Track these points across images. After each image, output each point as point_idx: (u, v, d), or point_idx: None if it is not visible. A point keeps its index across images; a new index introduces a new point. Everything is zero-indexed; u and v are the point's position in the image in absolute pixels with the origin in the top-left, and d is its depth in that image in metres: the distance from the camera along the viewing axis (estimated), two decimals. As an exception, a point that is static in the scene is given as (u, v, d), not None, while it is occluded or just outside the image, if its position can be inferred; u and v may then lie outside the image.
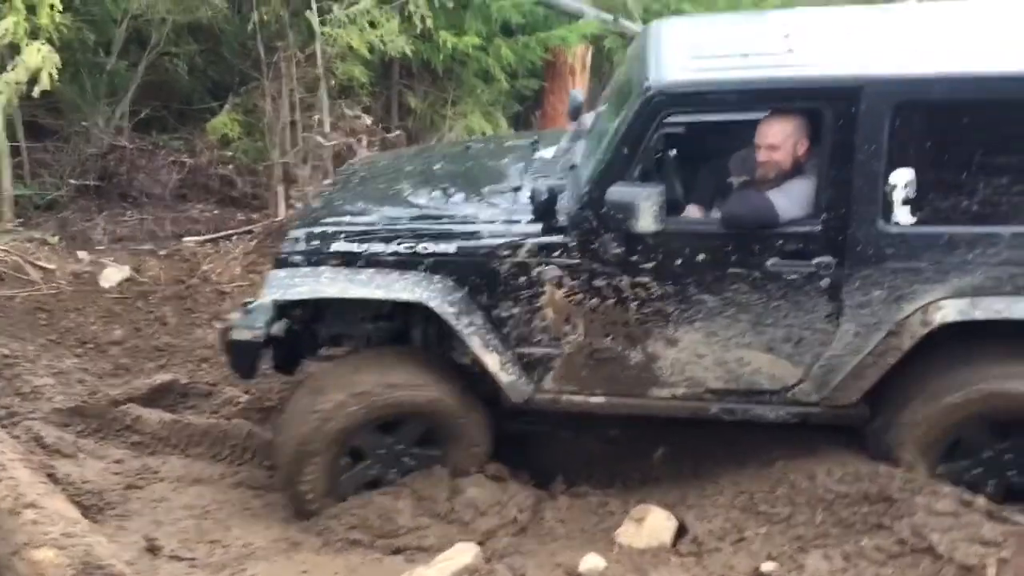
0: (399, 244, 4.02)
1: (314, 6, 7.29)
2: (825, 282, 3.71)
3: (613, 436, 4.89)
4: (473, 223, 4.06)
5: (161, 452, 4.74)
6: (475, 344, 3.93)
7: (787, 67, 3.78)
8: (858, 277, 3.69)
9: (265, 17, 7.52)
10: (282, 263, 4.19)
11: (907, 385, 3.81)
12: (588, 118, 4.80)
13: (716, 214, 3.95)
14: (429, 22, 7.59)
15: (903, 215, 3.62)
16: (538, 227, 3.92)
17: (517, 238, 3.92)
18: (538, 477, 4.47)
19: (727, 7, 9.09)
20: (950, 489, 3.57)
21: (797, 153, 3.81)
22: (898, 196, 3.60)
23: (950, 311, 3.62)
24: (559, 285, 3.89)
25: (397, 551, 3.88)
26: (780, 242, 3.71)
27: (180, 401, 5.27)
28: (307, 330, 4.36)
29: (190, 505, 4.29)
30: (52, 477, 4.10)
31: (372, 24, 7.41)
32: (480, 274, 3.95)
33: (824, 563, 3.38)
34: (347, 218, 4.32)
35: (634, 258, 3.80)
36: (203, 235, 7.23)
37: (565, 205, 3.90)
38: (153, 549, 3.89)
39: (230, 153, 7.99)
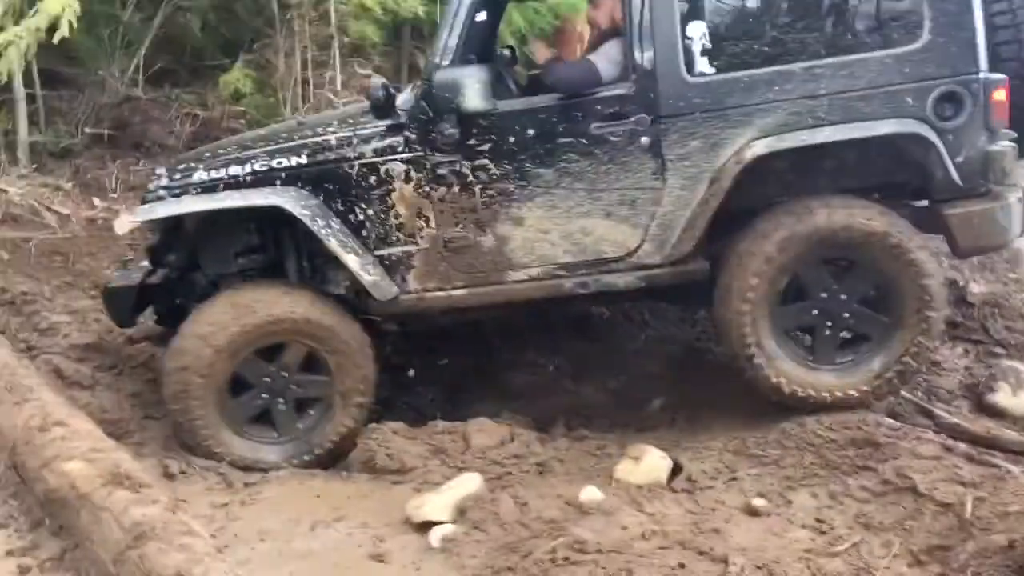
0: (256, 164, 4.16)
1: (329, -36, 7.38)
2: (645, 140, 3.98)
3: (612, 387, 5.10)
4: (323, 136, 4.20)
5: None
6: (334, 245, 4.06)
7: None
8: (674, 131, 3.94)
9: (280, -26, 7.62)
10: (147, 200, 4.31)
11: (740, 235, 4.04)
12: None
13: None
14: (442, -16, 7.69)
15: (703, 65, 3.94)
16: (380, 126, 4.10)
17: (361, 140, 4.10)
18: (540, 425, 4.67)
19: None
20: (933, 435, 3.76)
21: (615, 16, 4.16)
22: (696, 48, 3.91)
23: (759, 147, 3.88)
24: (407, 180, 4.09)
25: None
26: (599, 106, 3.98)
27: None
28: (185, 279, 4.46)
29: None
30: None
31: (386, -18, 7.51)
32: (332, 180, 4.12)
33: (811, 500, 3.57)
34: (208, 154, 4.44)
35: (471, 141, 4.03)
36: (214, 187, 7.34)
37: (403, 102, 4.12)
38: (168, 475, 4.05)
39: (242, 108, 8.07)
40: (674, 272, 4.12)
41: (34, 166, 7.23)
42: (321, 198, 4.09)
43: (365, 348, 4.26)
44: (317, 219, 4.04)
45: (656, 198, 4.01)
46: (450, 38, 4.00)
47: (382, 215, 4.11)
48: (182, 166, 4.33)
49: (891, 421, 3.95)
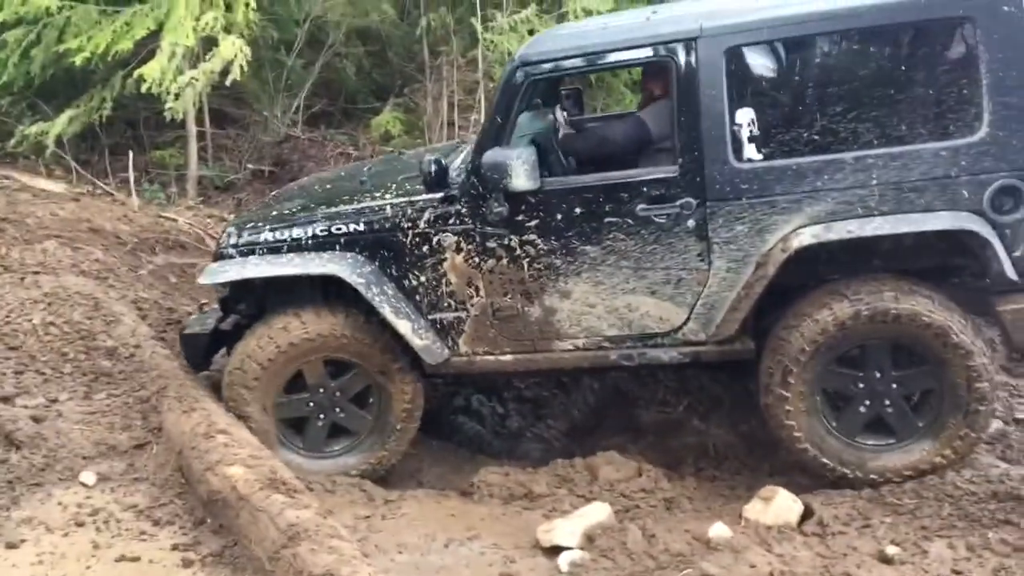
0: (317, 228, 4.34)
1: (478, 14, 7.74)
2: (691, 223, 3.96)
3: (743, 430, 5.09)
4: (381, 203, 4.35)
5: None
6: (386, 312, 4.21)
7: (636, 29, 4.20)
8: (720, 215, 3.91)
9: (432, 23, 8.04)
10: (218, 256, 4.56)
11: (786, 316, 4.01)
12: None
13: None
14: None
15: (751, 151, 3.89)
16: (433, 198, 4.21)
17: (416, 210, 4.23)
18: (668, 464, 4.71)
19: None
20: (1081, 493, 3.63)
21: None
22: (744, 134, 3.86)
23: (806, 236, 3.83)
24: (458, 250, 4.20)
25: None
26: (645, 188, 3.99)
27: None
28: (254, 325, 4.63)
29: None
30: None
31: (532, 32, 7.79)
32: (387, 247, 4.26)
33: (948, 551, 3.48)
34: (274, 213, 4.63)
35: (519, 217, 4.11)
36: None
37: (455, 176, 4.23)
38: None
39: (391, 149, 8.51)
40: (720, 351, 4.14)
41: (201, 198, 7.83)
42: (377, 264, 4.26)
43: (417, 395, 4.43)
44: (372, 286, 4.21)
45: (701, 279, 4.02)
46: (498, 117, 4.12)
47: (434, 282, 4.25)
48: (250, 225, 4.55)
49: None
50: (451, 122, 8.13)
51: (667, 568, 3.46)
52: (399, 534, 3.80)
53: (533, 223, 4.12)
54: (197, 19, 6.91)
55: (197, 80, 7.05)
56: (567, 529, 3.71)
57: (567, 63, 4.18)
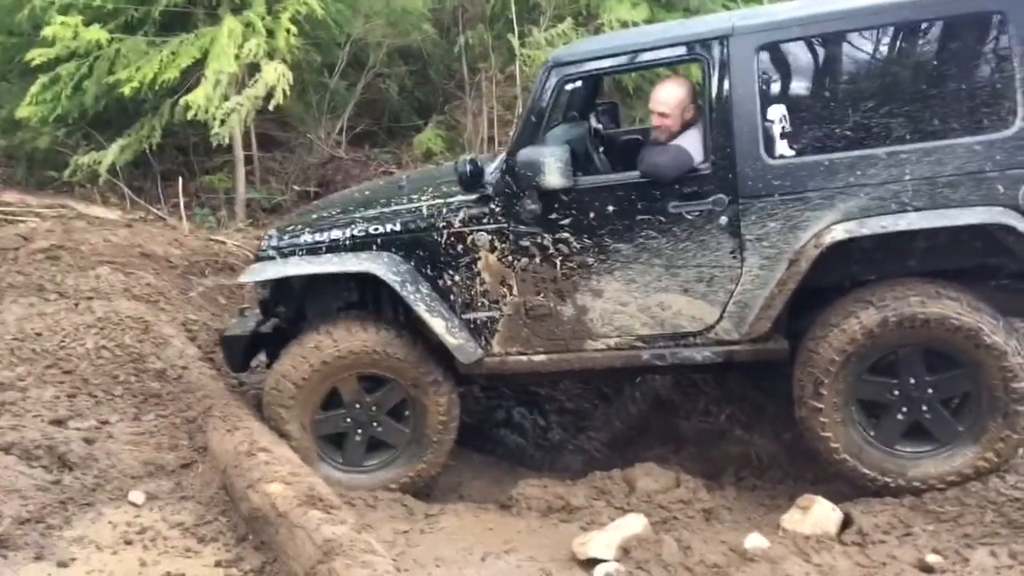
0: (355, 229, 4.41)
1: (515, 30, 7.81)
2: (723, 219, 3.95)
3: (786, 439, 5.05)
4: (418, 204, 4.40)
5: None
6: (421, 310, 4.25)
7: (670, 29, 4.49)
8: (752, 211, 3.90)
9: (470, 41, 8.14)
10: (259, 258, 4.63)
11: (814, 326, 3.98)
12: None
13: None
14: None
15: (783, 148, 3.87)
16: (468, 198, 4.25)
17: (451, 210, 4.27)
18: (710, 474, 4.69)
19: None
20: None
21: (685, 117, 4.18)
22: (776, 130, 3.84)
23: (839, 232, 3.80)
24: (491, 249, 4.23)
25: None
26: (677, 185, 3.98)
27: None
28: (294, 328, 4.73)
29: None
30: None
31: (568, 45, 7.87)
32: (423, 247, 4.31)
33: (990, 559, 3.42)
34: (314, 217, 4.71)
35: (552, 216, 4.13)
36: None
37: (490, 176, 4.25)
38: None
39: (433, 165, 8.63)
40: (753, 350, 4.11)
41: (249, 221, 8.01)
42: (412, 263, 4.32)
43: (452, 406, 4.46)
44: (407, 284, 4.27)
45: (734, 276, 4.01)
46: (532, 116, 4.16)
47: (468, 282, 4.29)
48: (291, 228, 4.63)
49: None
50: (491, 137, 8.21)
51: (703, 579, 3.45)
52: (437, 548, 3.85)
53: (566, 221, 4.15)
54: (240, 47, 7.12)
55: (242, 105, 7.24)
56: (603, 541, 3.72)
57: (600, 63, 4.24)
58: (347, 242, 4.42)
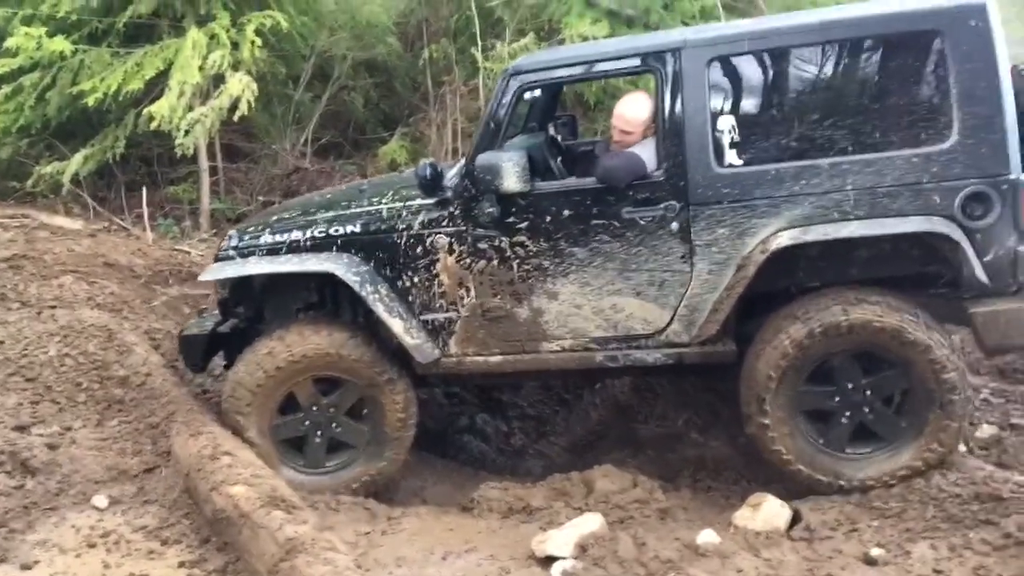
0: (315, 230, 4.50)
1: (479, 43, 7.94)
2: (674, 225, 4.09)
3: (742, 442, 5.18)
4: (378, 207, 4.51)
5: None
6: (380, 310, 4.35)
7: (625, 41, 4.66)
8: (702, 218, 4.05)
9: (435, 54, 8.24)
10: (219, 258, 4.72)
11: (752, 345, 4.12)
12: None
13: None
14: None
15: (732, 157, 4.03)
16: (428, 201, 4.37)
17: (411, 213, 4.39)
18: (667, 476, 4.80)
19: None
20: (1062, 492, 3.69)
21: (646, 136, 4.35)
22: (725, 140, 4.00)
23: (784, 238, 3.96)
24: (450, 251, 4.34)
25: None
26: (631, 192, 4.13)
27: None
28: (252, 329, 4.82)
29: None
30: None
31: (531, 60, 7.99)
32: (383, 249, 4.41)
33: (931, 552, 3.55)
34: (275, 218, 4.79)
35: (510, 219, 4.26)
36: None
37: (449, 180, 4.39)
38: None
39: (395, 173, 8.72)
40: (702, 352, 4.23)
41: (213, 231, 8.03)
42: (372, 264, 4.40)
43: (410, 403, 4.54)
44: (366, 285, 4.35)
45: (684, 280, 4.14)
46: (492, 123, 4.28)
47: (427, 283, 4.38)
48: (251, 229, 4.71)
49: (1020, 477, 3.89)
50: (455, 149, 8.31)
51: (656, 575, 3.55)
52: (398, 548, 3.92)
53: (523, 225, 4.26)
54: (204, 58, 7.16)
55: (206, 116, 7.28)
56: (560, 539, 3.80)
57: (558, 72, 4.38)
58: (307, 243, 4.50)
